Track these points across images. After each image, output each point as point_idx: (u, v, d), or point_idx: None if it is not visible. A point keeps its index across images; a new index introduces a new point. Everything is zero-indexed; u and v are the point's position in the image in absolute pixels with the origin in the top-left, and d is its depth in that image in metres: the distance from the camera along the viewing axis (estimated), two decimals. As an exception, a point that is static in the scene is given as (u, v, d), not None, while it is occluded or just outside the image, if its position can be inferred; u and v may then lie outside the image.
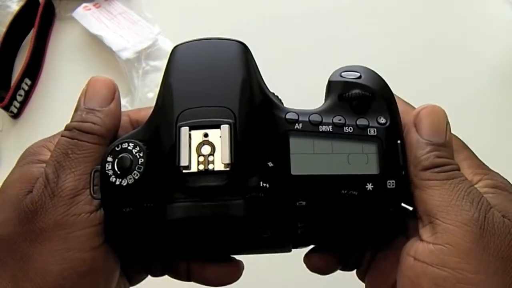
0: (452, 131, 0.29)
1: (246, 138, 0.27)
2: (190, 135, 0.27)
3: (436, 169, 0.27)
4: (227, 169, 0.26)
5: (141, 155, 0.28)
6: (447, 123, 0.29)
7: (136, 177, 0.27)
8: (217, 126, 0.26)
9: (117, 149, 0.28)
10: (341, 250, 0.32)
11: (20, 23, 0.70)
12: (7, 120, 0.67)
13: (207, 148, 0.26)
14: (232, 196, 0.26)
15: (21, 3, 0.70)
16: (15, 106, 0.66)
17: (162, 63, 0.64)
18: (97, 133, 0.29)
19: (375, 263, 0.32)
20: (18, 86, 0.66)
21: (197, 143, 0.27)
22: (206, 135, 0.27)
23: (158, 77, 0.63)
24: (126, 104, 0.63)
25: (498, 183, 0.28)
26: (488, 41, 0.64)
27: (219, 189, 0.26)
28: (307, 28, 0.67)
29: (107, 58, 0.67)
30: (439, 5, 0.67)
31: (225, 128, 0.26)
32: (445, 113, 0.29)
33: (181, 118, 0.27)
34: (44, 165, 0.29)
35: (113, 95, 0.31)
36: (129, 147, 0.28)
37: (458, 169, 0.28)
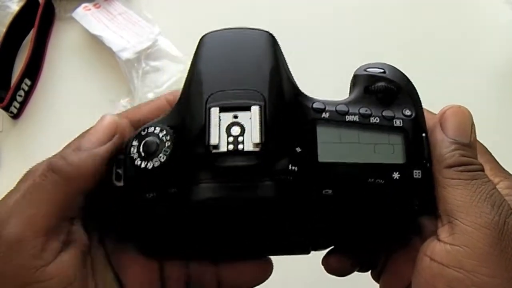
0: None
1: (276, 121, 0.26)
2: (219, 116, 0.26)
3: (460, 168, 0.27)
4: (257, 149, 0.26)
5: (168, 138, 0.27)
6: (472, 124, 0.29)
7: (162, 160, 0.27)
8: (247, 108, 0.26)
9: (143, 133, 0.28)
10: (359, 252, 0.32)
11: (20, 24, 0.70)
12: (7, 120, 0.67)
13: (236, 129, 0.26)
14: (262, 177, 0.26)
15: (21, 4, 0.70)
16: (15, 107, 0.66)
17: (162, 64, 0.64)
18: (65, 175, 0.27)
19: (390, 264, 0.32)
20: (18, 87, 0.66)
21: (227, 124, 0.26)
22: (235, 116, 0.26)
23: (158, 78, 0.64)
24: (126, 105, 0.63)
25: None
26: (488, 42, 0.64)
27: (249, 169, 0.25)
28: (314, 28, 0.67)
29: (107, 58, 0.67)
30: (439, 6, 0.67)
31: (256, 109, 0.26)
32: (470, 114, 0.29)
33: (210, 100, 0.27)
34: None
35: (110, 136, 0.28)
36: (155, 131, 0.27)
37: (482, 170, 0.27)
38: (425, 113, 0.30)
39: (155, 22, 0.68)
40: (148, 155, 0.27)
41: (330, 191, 0.27)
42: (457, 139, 0.28)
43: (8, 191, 0.28)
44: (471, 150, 0.28)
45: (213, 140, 0.26)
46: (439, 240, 0.27)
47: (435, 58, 0.64)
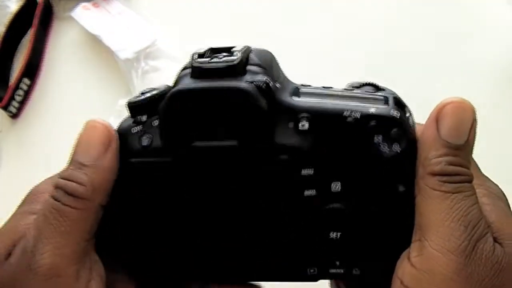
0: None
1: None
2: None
3: (444, 178, 0.25)
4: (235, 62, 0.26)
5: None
6: (474, 120, 0.26)
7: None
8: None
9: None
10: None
11: (19, 23, 0.70)
12: (6, 120, 0.67)
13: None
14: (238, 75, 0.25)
15: (20, 3, 0.70)
16: (14, 106, 0.66)
17: (161, 63, 0.64)
18: (81, 196, 0.25)
19: None
20: (17, 86, 0.66)
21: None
22: None
23: (157, 77, 0.63)
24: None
25: (494, 192, 0.27)
26: (491, 42, 0.64)
27: (226, 69, 0.25)
28: (308, 32, 0.67)
29: (106, 57, 0.67)
30: (440, 5, 0.67)
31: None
32: (473, 110, 0.26)
33: None
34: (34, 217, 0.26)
35: (107, 146, 0.27)
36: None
37: (470, 180, 0.26)
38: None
39: (155, 21, 0.68)
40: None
41: (306, 124, 0.26)
42: (449, 141, 0.25)
43: (13, 214, 0.27)
44: (463, 154, 0.26)
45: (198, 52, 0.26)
46: (409, 259, 0.26)
47: (436, 58, 0.64)
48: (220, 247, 0.28)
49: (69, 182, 0.26)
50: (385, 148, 0.26)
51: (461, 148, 0.26)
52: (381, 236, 0.27)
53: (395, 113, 0.26)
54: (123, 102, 0.63)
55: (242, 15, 0.68)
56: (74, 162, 0.26)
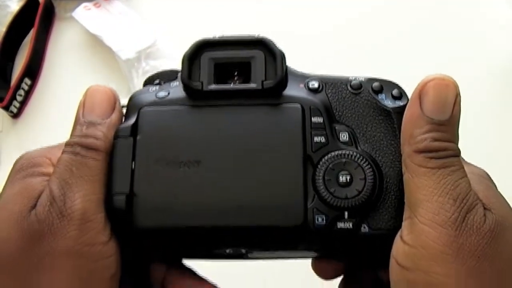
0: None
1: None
2: None
3: (430, 154, 0.25)
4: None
5: None
6: (457, 95, 0.26)
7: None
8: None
9: None
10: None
11: (20, 23, 0.70)
12: (7, 120, 0.67)
13: None
14: None
15: (21, 3, 0.71)
16: (15, 106, 0.66)
17: (162, 63, 0.64)
18: (100, 149, 0.27)
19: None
20: (18, 86, 0.66)
21: None
22: None
23: (158, 77, 0.64)
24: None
25: (478, 173, 0.27)
26: (489, 41, 0.64)
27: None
28: (308, 32, 0.67)
29: (107, 58, 0.67)
30: (439, 5, 0.67)
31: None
32: (455, 86, 0.26)
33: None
34: (46, 179, 0.27)
35: (114, 105, 0.29)
36: None
37: (456, 155, 0.26)
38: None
39: (155, 21, 0.68)
40: None
41: (316, 84, 0.29)
42: (433, 118, 0.25)
43: (12, 180, 0.28)
44: (448, 129, 0.26)
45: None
46: (401, 238, 0.26)
47: (436, 57, 0.64)
48: (230, 189, 0.27)
49: (86, 138, 0.27)
50: (388, 103, 0.28)
51: (445, 123, 0.26)
52: (390, 189, 0.27)
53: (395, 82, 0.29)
54: (124, 102, 0.63)
55: (242, 15, 0.68)
56: (83, 122, 0.28)
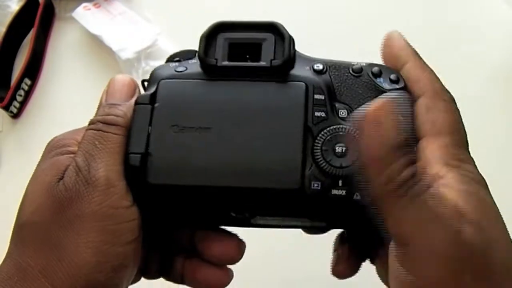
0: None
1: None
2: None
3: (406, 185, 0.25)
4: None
5: None
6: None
7: None
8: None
9: None
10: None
11: (20, 23, 0.70)
12: (7, 120, 0.67)
13: None
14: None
15: (21, 3, 0.71)
16: (15, 106, 0.66)
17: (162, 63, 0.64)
18: (120, 124, 0.30)
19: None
20: (18, 86, 0.66)
21: None
22: None
23: (158, 77, 0.64)
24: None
25: (470, 176, 0.26)
26: (488, 42, 0.64)
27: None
28: (308, 32, 0.67)
29: (107, 58, 0.67)
30: (438, 5, 0.67)
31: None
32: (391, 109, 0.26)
33: None
34: (73, 156, 0.29)
35: (133, 91, 0.32)
36: None
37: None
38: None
39: (155, 22, 0.68)
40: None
41: (320, 66, 0.31)
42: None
43: (42, 159, 0.30)
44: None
45: None
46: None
47: (434, 57, 0.64)
48: (235, 153, 0.30)
49: (108, 116, 0.30)
50: (386, 85, 0.31)
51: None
52: None
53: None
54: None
55: (242, 15, 0.68)
56: (105, 105, 0.31)
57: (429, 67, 0.30)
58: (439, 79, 0.30)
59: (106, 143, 0.29)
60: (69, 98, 0.67)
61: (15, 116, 0.66)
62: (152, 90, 0.31)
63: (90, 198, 0.28)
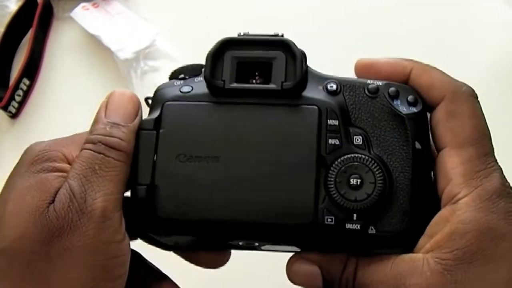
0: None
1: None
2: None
3: None
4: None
5: None
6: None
7: None
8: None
9: None
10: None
11: (18, 23, 0.70)
12: (5, 120, 0.67)
13: None
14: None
15: (20, 3, 0.70)
16: (13, 106, 0.66)
17: (161, 63, 0.64)
18: (123, 150, 0.28)
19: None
20: (16, 86, 0.66)
21: None
22: None
23: (156, 77, 0.63)
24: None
25: (491, 190, 0.26)
26: (488, 42, 0.64)
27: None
28: (309, 32, 0.67)
29: (106, 58, 0.67)
30: (437, 5, 0.67)
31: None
32: None
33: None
34: (61, 174, 0.27)
35: (137, 111, 0.30)
36: None
37: None
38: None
39: (154, 21, 0.68)
40: None
41: (334, 86, 0.30)
42: None
43: (19, 173, 0.28)
44: None
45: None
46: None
47: (434, 58, 0.64)
48: (245, 186, 0.29)
49: (111, 137, 0.28)
50: (403, 109, 0.29)
51: None
52: (399, 194, 0.28)
53: (411, 87, 0.30)
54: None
55: (242, 15, 0.68)
56: (106, 122, 0.28)
57: (433, 67, 0.30)
58: (448, 75, 0.30)
59: (107, 170, 0.27)
60: (68, 98, 0.67)
61: (14, 116, 0.66)
62: (157, 114, 0.30)
63: (83, 231, 0.25)
